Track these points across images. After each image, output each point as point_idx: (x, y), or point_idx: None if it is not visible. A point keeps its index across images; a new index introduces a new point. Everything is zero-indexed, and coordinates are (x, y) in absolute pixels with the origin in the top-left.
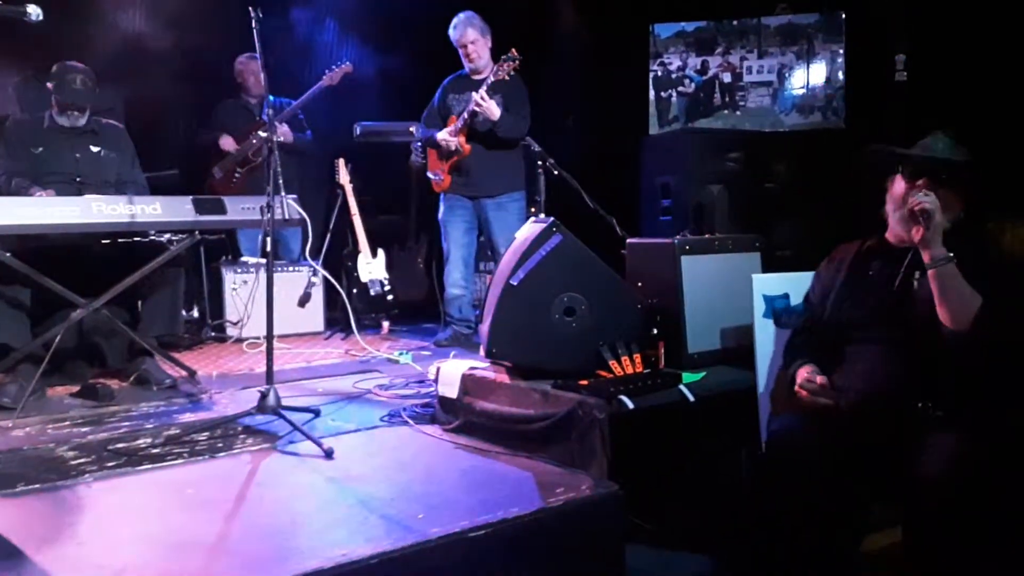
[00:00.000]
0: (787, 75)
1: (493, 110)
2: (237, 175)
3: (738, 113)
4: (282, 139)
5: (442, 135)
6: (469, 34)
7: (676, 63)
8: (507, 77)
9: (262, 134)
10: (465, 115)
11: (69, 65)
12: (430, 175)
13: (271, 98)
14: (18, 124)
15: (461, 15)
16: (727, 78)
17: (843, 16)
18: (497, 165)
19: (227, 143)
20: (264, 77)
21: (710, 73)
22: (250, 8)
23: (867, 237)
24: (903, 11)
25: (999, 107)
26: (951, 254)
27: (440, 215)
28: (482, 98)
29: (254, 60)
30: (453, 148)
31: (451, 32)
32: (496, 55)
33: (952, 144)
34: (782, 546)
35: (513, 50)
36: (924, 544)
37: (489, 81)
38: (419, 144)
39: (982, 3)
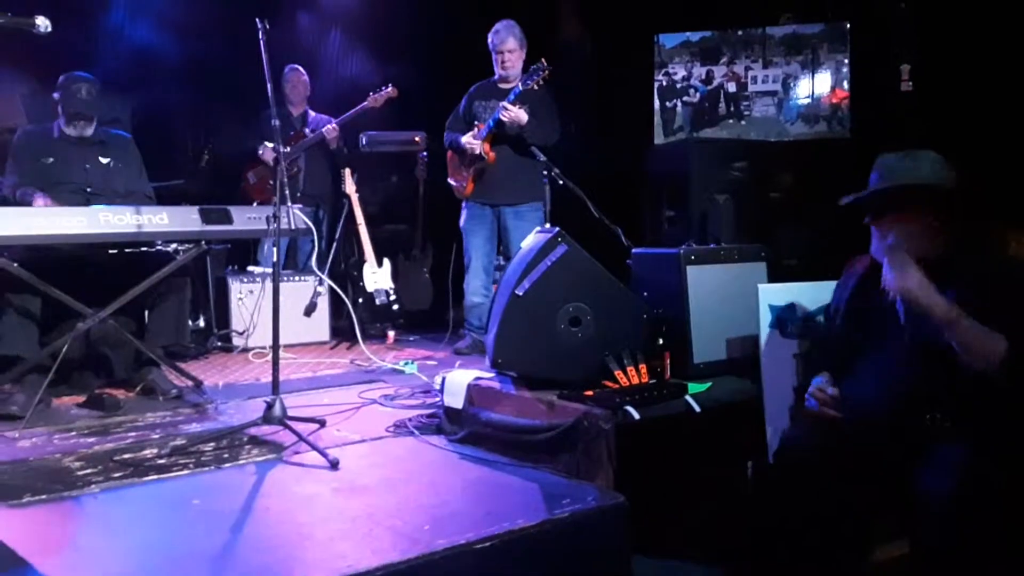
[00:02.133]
0: (792, 85)
1: (520, 116)
2: (271, 183)
3: (743, 123)
4: (330, 140)
5: (467, 138)
6: (510, 42)
7: (681, 73)
8: (536, 87)
9: (268, 144)
10: (491, 123)
11: (74, 75)
12: (452, 182)
13: (312, 114)
14: (28, 135)
15: (503, 22)
16: (732, 88)
17: (847, 26)
18: (520, 174)
19: (268, 154)
20: (270, 88)
21: (715, 83)
22: (257, 19)
23: None
24: (908, 21)
25: (1004, 116)
26: (956, 308)
27: (462, 222)
28: (507, 106)
29: (295, 72)
30: (477, 152)
31: (491, 37)
32: (525, 66)
33: (898, 162)
34: (789, 557)
35: (543, 59)
36: (931, 556)
37: (517, 91)
38: (424, 153)
39: (987, 13)
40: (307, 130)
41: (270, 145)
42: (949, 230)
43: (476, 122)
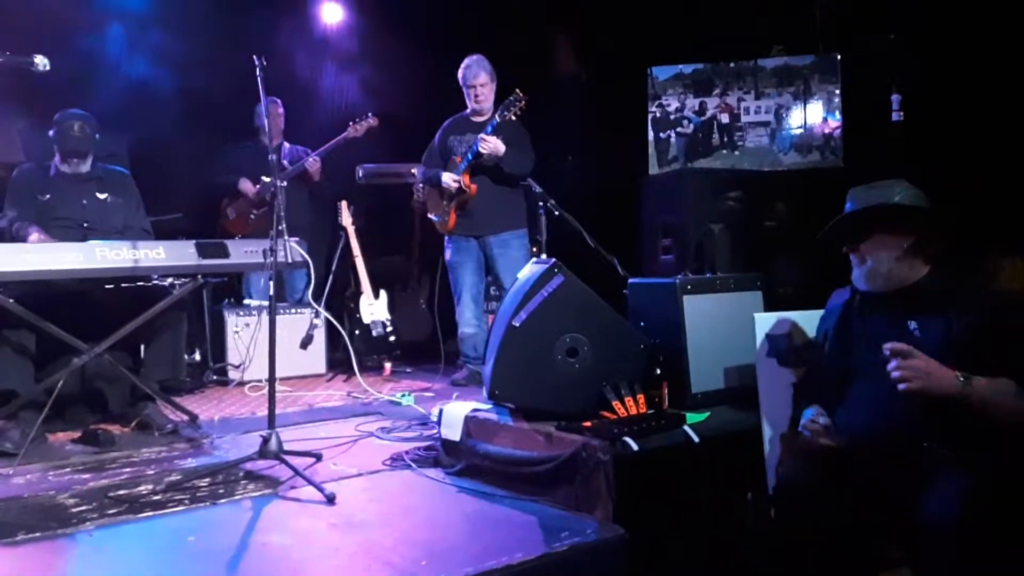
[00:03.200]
0: (784, 115)
1: (498, 146)
2: (253, 216)
3: (736, 153)
4: (312, 173)
5: (447, 177)
6: (481, 76)
7: (674, 104)
8: (513, 118)
9: (265, 179)
10: (470, 156)
11: (68, 113)
12: (432, 217)
13: (287, 145)
14: (25, 172)
15: (474, 57)
16: (725, 119)
17: (838, 57)
18: (500, 203)
19: (246, 186)
20: (267, 123)
21: (708, 114)
22: (254, 56)
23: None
24: (898, 52)
25: (996, 145)
26: (964, 378)
27: (448, 257)
28: (485, 138)
29: (273, 104)
30: (455, 190)
31: (462, 72)
32: (498, 98)
33: (867, 191)
34: None
35: (517, 91)
36: None
37: (495, 123)
38: (421, 185)
39: (976, 42)
40: (284, 162)
41: (267, 180)
42: (930, 254)
43: (452, 156)
